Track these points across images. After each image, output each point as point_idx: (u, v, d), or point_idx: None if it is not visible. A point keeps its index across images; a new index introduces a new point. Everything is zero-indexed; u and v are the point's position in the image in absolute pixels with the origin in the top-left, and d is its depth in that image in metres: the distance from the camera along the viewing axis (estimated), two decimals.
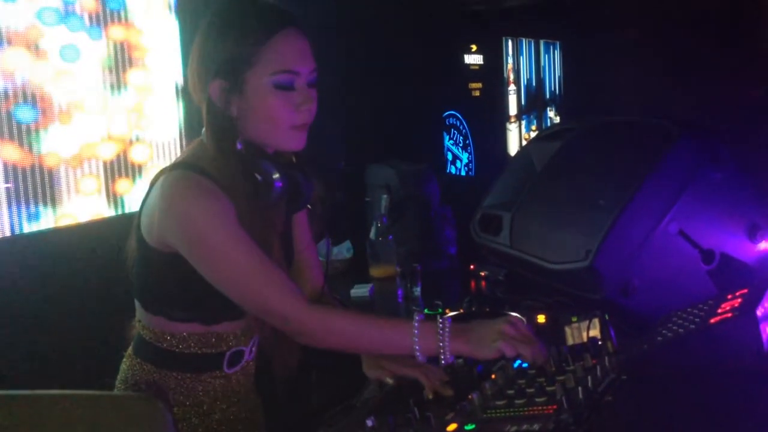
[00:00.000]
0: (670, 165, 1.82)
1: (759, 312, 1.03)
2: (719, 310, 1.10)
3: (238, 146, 1.36)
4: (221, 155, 1.34)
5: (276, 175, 1.36)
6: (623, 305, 1.80)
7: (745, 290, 1.15)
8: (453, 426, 1.08)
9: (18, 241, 2.62)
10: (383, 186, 2.75)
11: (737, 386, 0.99)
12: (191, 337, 1.40)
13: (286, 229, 1.54)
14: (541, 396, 1.11)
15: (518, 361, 1.33)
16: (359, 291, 2.47)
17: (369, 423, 1.14)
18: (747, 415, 0.92)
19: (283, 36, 1.33)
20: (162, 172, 1.38)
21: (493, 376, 1.26)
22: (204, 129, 1.38)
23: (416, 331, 1.29)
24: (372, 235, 2.65)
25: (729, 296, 1.16)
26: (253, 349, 1.53)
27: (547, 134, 2.46)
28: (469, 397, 1.17)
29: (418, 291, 2.36)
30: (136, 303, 1.46)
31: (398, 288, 2.38)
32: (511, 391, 1.16)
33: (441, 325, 1.28)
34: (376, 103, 4.48)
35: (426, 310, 1.88)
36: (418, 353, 1.28)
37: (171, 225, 1.31)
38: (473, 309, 1.84)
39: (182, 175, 1.33)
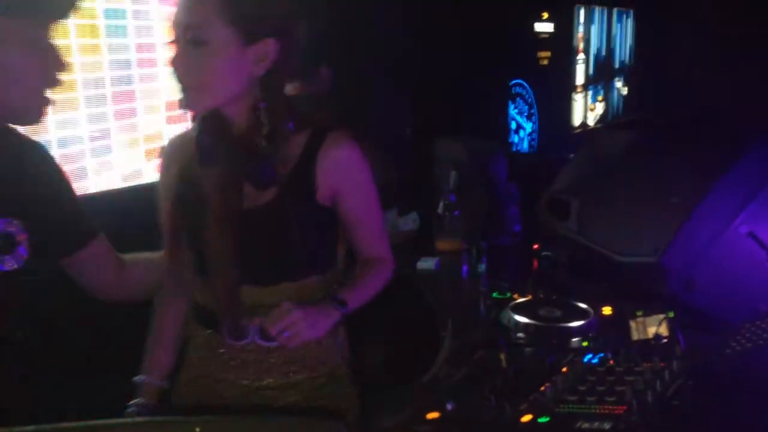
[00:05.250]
0: (745, 168, 1.86)
1: None
2: None
3: None
4: None
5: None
6: (686, 301, 1.85)
7: None
8: (528, 417, 1.17)
9: None
10: (452, 161, 2.81)
11: None
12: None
13: (265, 209, 1.49)
14: (611, 395, 1.19)
15: (588, 356, 1.41)
16: (426, 264, 2.55)
17: (449, 406, 1.24)
18: None
19: None
20: None
21: (564, 370, 1.35)
22: None
23: None
24: (439, 209, 2.73)
25: None
26: None
27: (621, 123, 2.49)
28: (542, 389, 1.26)
29: (483, 267, 2.43)
30: None
31: (463, 264, 2.46)
32: (582, 387, 1.24)
33: None
34: (444, 69, 4.51)
35: (495, 294, 1.96)
36: None
37: None
38: (541, 296, 1.91)
39: None
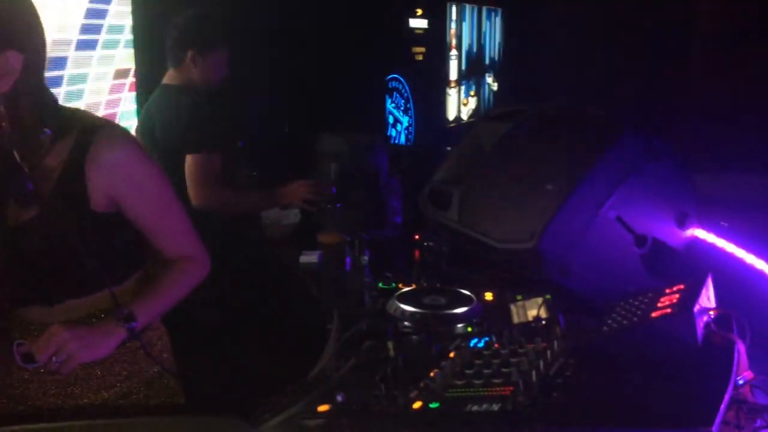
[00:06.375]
0: (613, 155, 1.95)
1: (695, 309, 1.16)
2: (659, 304, 1.23)
3: None
4: None
5: None
6: (562, 284, 1.93)
7: (683, 286, 1.28)
8: (418, 404, 1.18)
9: None
10: (333, 155, 2.80)
11: (674, 375, 1.11)
12: None
13: (30, 226, 1.39)
14: (497, 377, 1.21)
15: (474, 341, 1.44)
16: (308, 258, 2.53)
17: (339, 398, 1.22)
18: (681, 400, 1.05)
19: None
20: None
21: (451, 355, 1.37)
22: None
23: None
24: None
25: (667, 290, 1.28)
26: None
27: (496, 114, 2.56)
28: (431, 375, 1.27)
29: (365, 260, 2.44)
30: None
31: (346, 256, 2.45)
32: (469, 371, 1.26)
33: None
34: (322, 66, 4.50)
35: (380, 285, 1.97)
36: None
37: None
38: (425, 285, 1.93)
39: None
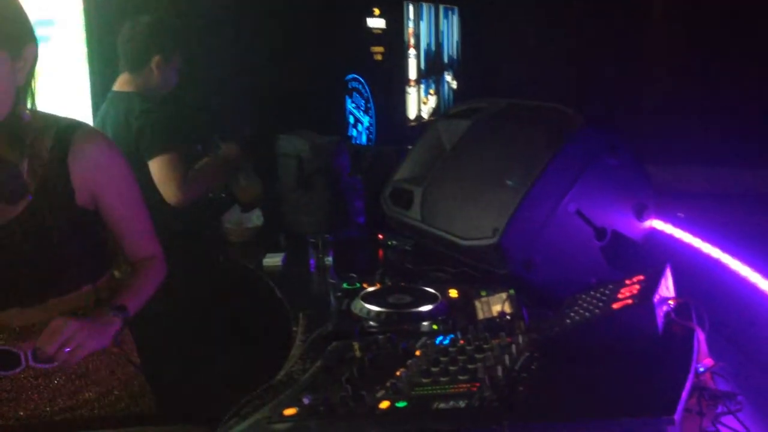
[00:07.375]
0: (572, 150, 1.97)
1: (655, 299, 1.18)
2: (620, 296, 1.24)
3: None
4: None
5: None
6: (526, 279, 1.95)
7: (642, 277, 1.29)
8: (386, 403, 1.17)
9: None
10: (294, 157, 2.79)
11: (636, 364, 1.13)
12: None
13: (18, 224, 1.39)
14: (464, 374, 1.22)
15: (439, 338, 1.44)
16: (272, 260, 2.51)
17: (305, 401, 1.21)
18: (643, 389, 1.07)
19: None
20: None
21: (417, 353, 1.37)
22: None
23: None
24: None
25: (627, 282, 1.30)
26: None
27: (455, 112, 2.57)
28: (398, 374, 1.26)
29: (330, 260, 2.44)
30: None
31: (310, 257, 2.45)
32: (435, 369, 1.26)
33: None
34: (281, 67, 4.47)
35: (345, 285, 1.96)
36: None
37: None
38: (389, 284, 1.93)
39: None
